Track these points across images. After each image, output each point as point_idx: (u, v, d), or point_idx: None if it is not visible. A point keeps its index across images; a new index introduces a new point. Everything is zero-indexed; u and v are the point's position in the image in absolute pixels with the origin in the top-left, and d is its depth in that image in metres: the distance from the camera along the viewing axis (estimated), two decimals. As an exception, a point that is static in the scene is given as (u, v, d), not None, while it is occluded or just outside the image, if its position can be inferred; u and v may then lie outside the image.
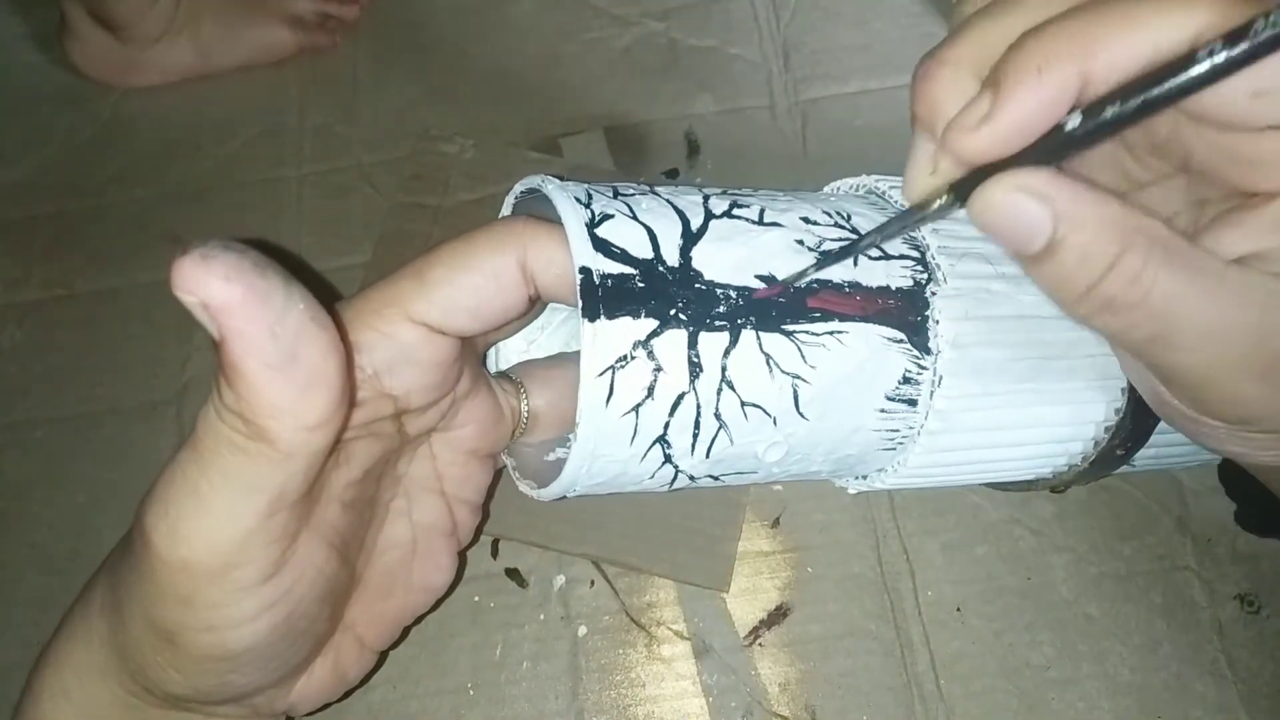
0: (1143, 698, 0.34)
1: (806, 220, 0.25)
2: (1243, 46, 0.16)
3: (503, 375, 0.29)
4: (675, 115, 0.46)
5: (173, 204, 0.46)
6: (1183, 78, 0.17)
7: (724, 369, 0.23)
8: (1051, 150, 0.19)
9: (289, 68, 0.50)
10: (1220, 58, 0.16)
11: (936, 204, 0.20)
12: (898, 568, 0.37)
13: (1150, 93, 0.17)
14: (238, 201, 0.46)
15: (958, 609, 0.36)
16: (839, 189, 0.30)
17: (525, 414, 0.28)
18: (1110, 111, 0.18)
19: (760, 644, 0.36)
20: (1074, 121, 0.18)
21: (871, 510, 0.38)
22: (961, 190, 0.20)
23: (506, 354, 0.31)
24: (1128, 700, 0.34)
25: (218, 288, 0.17)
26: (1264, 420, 0.21)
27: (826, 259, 0.23)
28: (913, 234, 0.26)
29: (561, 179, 0.25)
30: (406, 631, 0.28)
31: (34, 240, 0.46)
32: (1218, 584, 0.36)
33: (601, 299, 0.22)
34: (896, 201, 0.27)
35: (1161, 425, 0.27)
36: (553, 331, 0.31)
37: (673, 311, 0.22)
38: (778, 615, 0.36)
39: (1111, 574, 0.36)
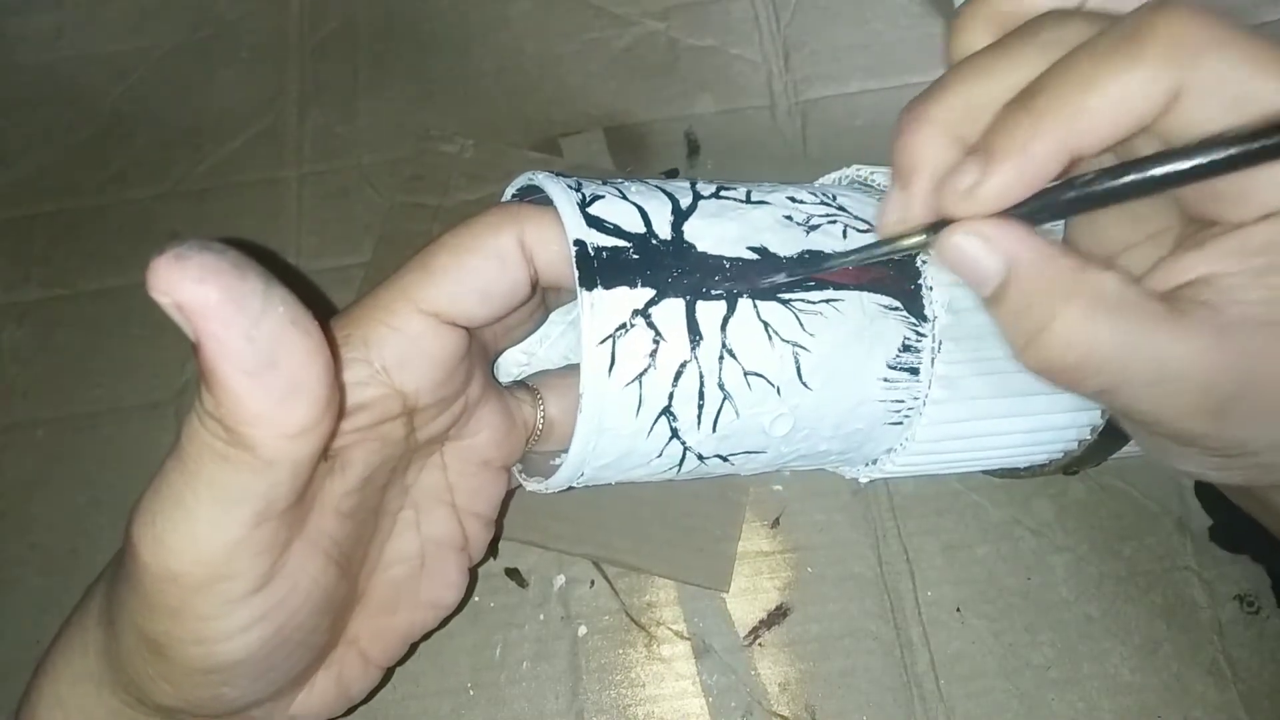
0: (1143, 698, 0.34)
1: (793, 199, 0.26)
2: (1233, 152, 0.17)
3: (518, 384, 0.29)
4: (675, 115, 0.46)
5: (173, 204, 0.46)
6: (1168, 170, 0.18)
7: (724, 337, 0.23)
8: (1035, 212, 0.19)
9: (289, 67, 0.50)
10: (1220, 158, 0.17)
11: (907, 241, 0.22)
12: (898, 568, 0.37)
13: (1127, 180, 0.18)
14: (237, 201, 0.46)
15: (958, 609, 0.36)
16: (826, 183, 0.30)
17: (541, 421, 0.28)
18: (1100, 189, 0.19)
19: (760, 644, 0.36)
20: (1066, 193, 0.19)
21: (871, 510, 0.38)
22: (933, 226, 0.21)
23: (506, 368, 0.31)
24: (1128, 700, 0.34)
25: (190, 289, 0.17)
26: (1214, 447, 0.21)
27: (805, 265, 0.24)
28: None
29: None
30: (414, 648, 0.27)
31: (34, 240, 0.46)
32: (1218, 584, 0.36)
33: (598, 270, 0.22)
34: (882, 185, 0.28)
35: None
36: (552, 344, 0.31)
37: (669, 280, 0.22)
38: (778, 615, 0.36)
39: (1111, 574, 0.36)
